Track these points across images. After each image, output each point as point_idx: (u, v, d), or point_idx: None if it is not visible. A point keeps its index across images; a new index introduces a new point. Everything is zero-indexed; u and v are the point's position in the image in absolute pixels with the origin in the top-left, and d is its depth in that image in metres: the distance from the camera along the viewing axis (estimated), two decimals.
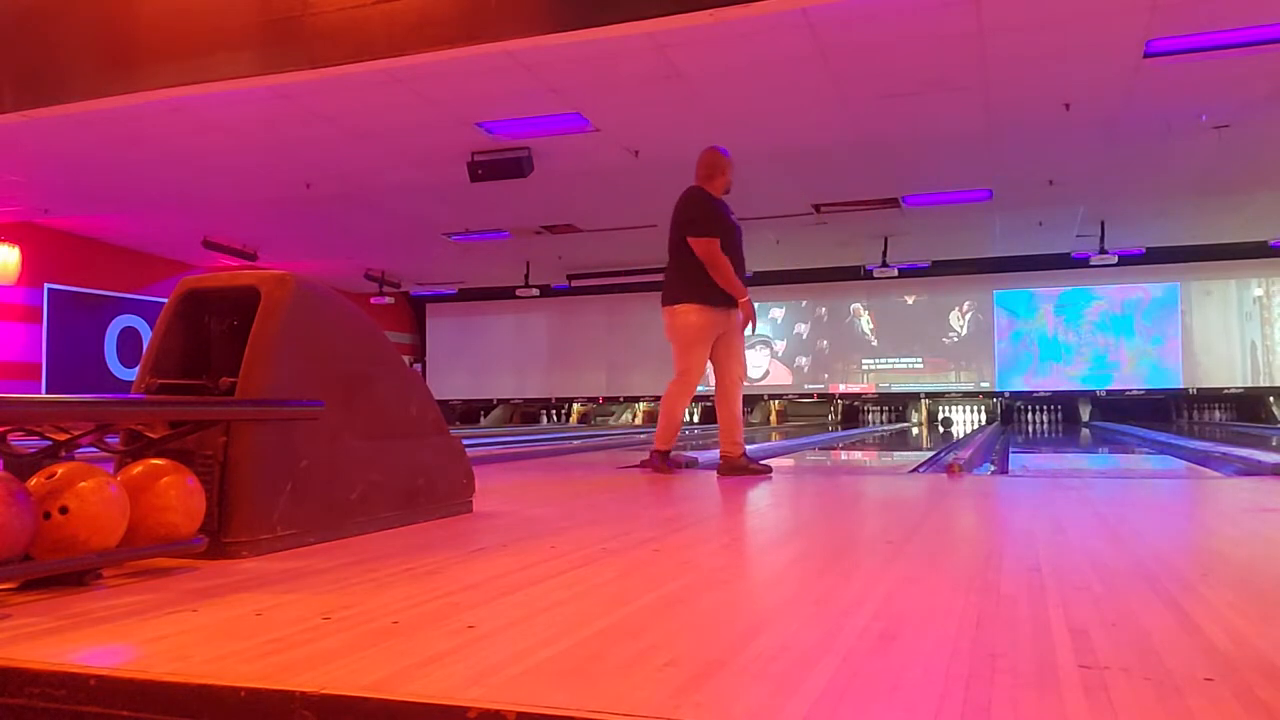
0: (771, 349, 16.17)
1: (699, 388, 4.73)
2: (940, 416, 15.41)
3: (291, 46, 5.65)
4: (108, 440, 2.15)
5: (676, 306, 4.52)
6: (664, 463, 4.63)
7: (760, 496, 3.70)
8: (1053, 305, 15.06)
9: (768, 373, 16.09)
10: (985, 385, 15.30)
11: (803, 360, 16.10)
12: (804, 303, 16.07)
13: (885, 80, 6.60)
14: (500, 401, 17.78)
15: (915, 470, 5.80)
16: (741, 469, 4.47)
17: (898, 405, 15.75)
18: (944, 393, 15.56)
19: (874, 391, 15.75)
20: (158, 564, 2.03)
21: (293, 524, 2.25)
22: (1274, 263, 13.90)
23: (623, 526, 2.68)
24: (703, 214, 4.50)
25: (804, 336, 16.15)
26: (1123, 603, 1.65)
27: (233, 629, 1.48)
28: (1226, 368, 14.39)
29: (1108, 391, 14.77)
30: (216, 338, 2.45)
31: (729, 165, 4.63)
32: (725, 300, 4.50)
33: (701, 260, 4.43)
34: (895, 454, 8.81)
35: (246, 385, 2.24)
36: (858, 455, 8.55)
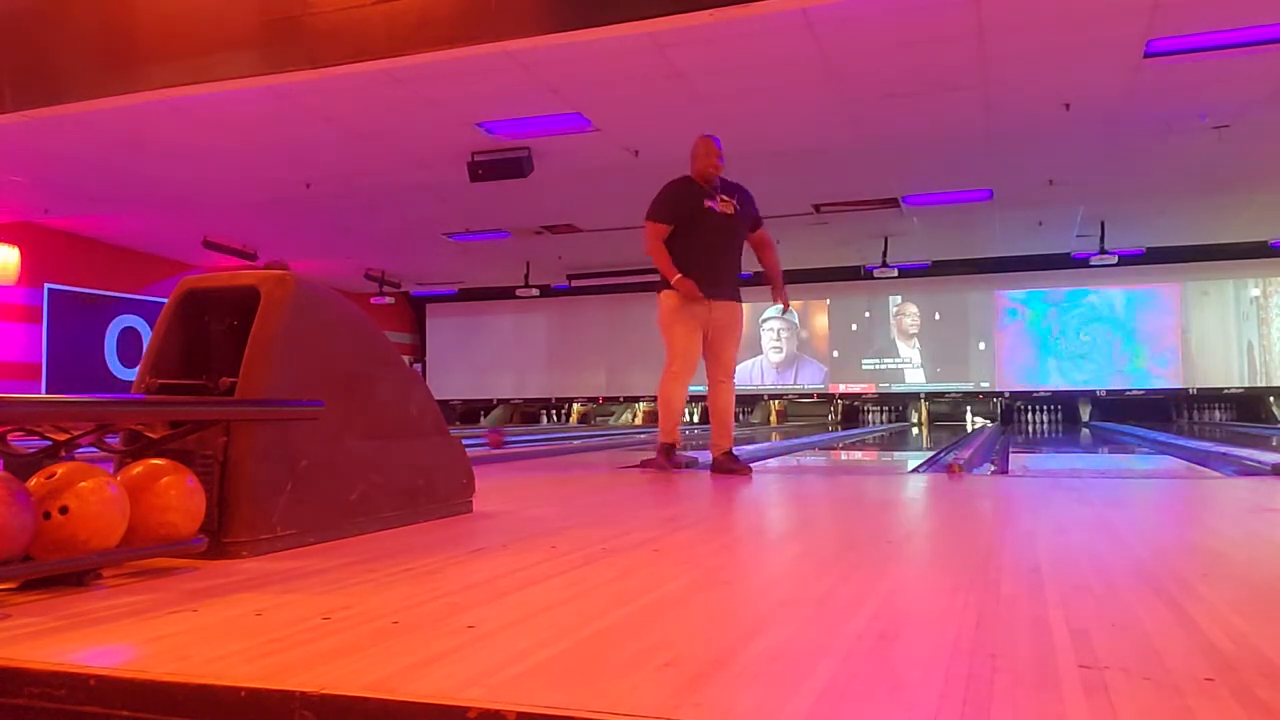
0: (771, 347, 16.17)
1: (694, 387, 4.72)
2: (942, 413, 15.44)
3: (291, 46, 5.65)
4: (108, 440, 2.15)
5: (658, 296, 4.57)
6: (666, 458, 4.56)
7: (760, 496, 3.69)
8: (1052, 305, 15.06)
9: (764, 371, 16.10)
10: (985, 385, 15.30)
11: (803, 360, 16.10)
12: (804, 302, 16.07)
13: (885, 80, 6.60)
14: (500, 401, 17.77)
15: (915, 470, 5.81)
16: (724, 467, 4.47)
17: (898, 405, 15.75)
18: (944, 393, 15.56)
19: (874, 391, 15.75)
20: (158, 564, 2.03)
21: (293, 524, 2.25)
22: (1274, 263, 13.90)
23: (623, 526, 2.68)
24: (655, 200, 4.57)
25: (805, 336, 16.15)
26: (1123, 603, 1.65)
27: (233, 629, 1.48)
28: (1225, 368, 14.39)
29: (1108, 391, 14.77)
30: (216, 338, 2.45)
31: (700, 150, 4.57)
32: (707, 290, 4.44)
33: None
34: (895, 454, 8.81)
35: (246, 385, 2.24)
36: (858, 455, 8.55)
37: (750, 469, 4.55)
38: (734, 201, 4.58)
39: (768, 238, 4.82)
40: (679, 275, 4.41)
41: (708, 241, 4.52)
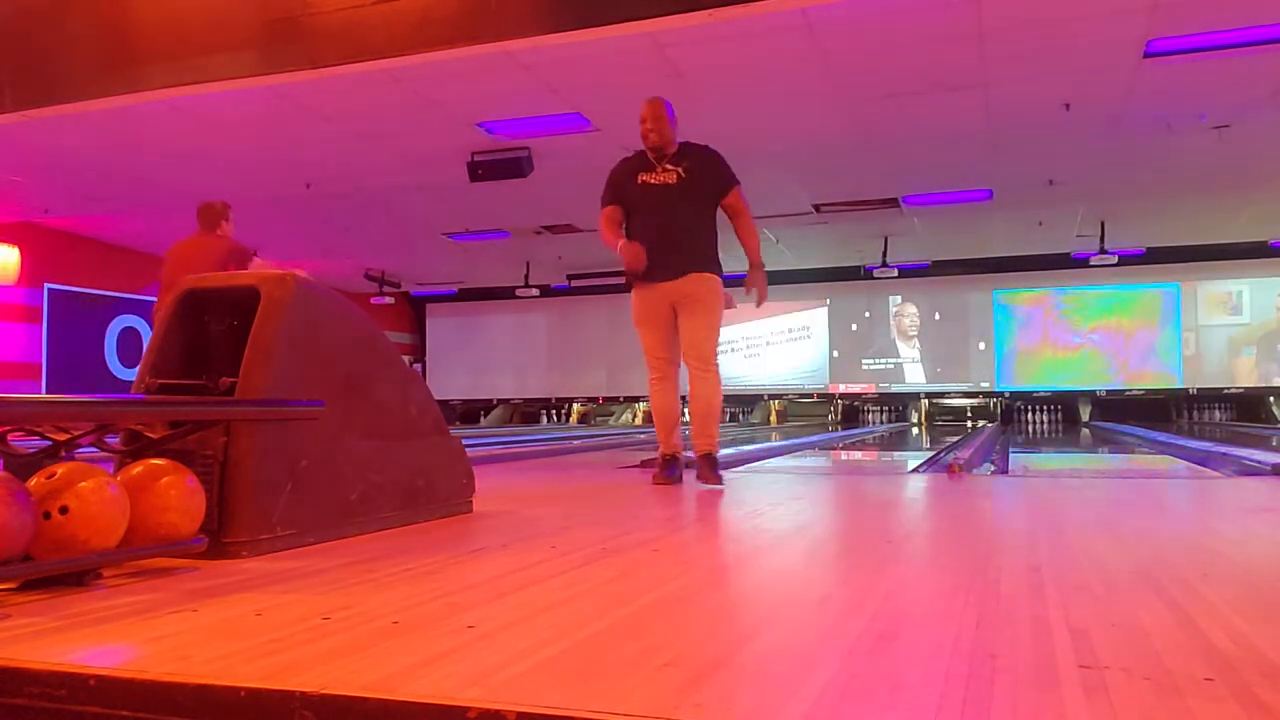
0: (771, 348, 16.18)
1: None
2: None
3: (291, 46, 5.65)
4: (108, 440, 2.15)
5: None
6: (662, 472, 4.04)
7: (760, 497, 3.69)
8: (1053, 305, 15.05)
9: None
10: (985, 385, 15.30)
11: (803, 360, 16.09)
12: (804, 302, 16.07)
13: (885, 80, 6.60)
14: (500, 401, 17.77)
15: (915, 470, 5.81)
16: (700, 474, 3.98)
17: (898, 405, 15.75)
18: (944, 393, 15.55)
19: (874, 391, 15.75)
20: (158, 564, 2.03)
21: (293, 524, 2.25)
22: (1274, 263, 13.90)
23: (623, 526, 2.68)
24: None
25: (804, 336, 16.15)
26: (1123, 603, 1.65)
27: (233, 629, 1.48)
28: (1226, 368, 14.39)
29: (1108, 391, 14.76)
30: (216, 338, 2.45)
31: (642, 114, 4.11)
32: (661, 273, 3.96)
33: None
34: (895, 454, 8.81)
35: (246, 385, 2.24)
36: (858, 455, 8.55)
37: (721, 479, 3.97)
38: (679, 169, 4.06)
39: (741, 204, 4.13)
40: (622, 241, 3.99)
41: (647, 218, 4.06)
